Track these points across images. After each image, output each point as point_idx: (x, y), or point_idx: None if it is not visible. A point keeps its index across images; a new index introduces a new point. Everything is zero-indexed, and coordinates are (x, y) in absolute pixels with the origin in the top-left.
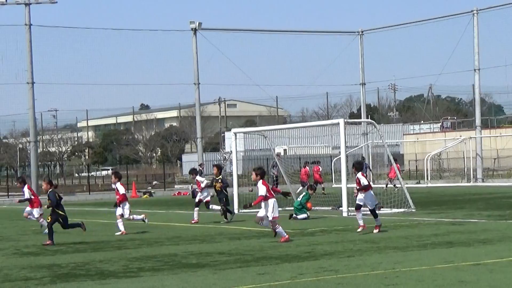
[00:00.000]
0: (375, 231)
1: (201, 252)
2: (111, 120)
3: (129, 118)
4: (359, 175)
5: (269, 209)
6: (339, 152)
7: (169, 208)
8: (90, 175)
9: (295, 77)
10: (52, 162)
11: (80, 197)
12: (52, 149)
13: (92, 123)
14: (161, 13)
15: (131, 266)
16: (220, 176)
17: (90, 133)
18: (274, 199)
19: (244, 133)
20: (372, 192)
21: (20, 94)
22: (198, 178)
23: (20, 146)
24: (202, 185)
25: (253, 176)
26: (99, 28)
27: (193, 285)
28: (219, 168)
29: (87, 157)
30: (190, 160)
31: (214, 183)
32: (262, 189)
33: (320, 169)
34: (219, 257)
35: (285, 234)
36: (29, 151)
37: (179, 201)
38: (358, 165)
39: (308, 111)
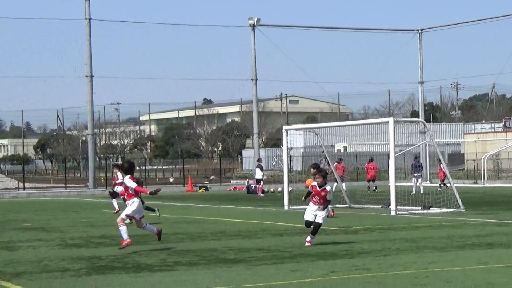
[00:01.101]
0: None
1: (240, 248)
2: (174, 114)
3: (191, 113)
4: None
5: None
6: (399, 150)
7: (221, 203)
8: (148, 168)
9: (357, 74)
10: (114, 155)
11: None
12: (114, 142)
13: (154, 116)
14: (220, 8)
15: (168, 260)
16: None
17: (152, 127)
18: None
19: (296, 129)
20: None
21: (83, 87)
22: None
23: (83, 138)
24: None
25: None
26: (159, 23)
27: (224, 280)
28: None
29: (148, 150)
30: (250, 155)
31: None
32: (131, 183)
33: (376, 167)
34: (256, 253)
35: (127, 237)
36: None
37: (233, 196)
38: None
39: (369, 108)
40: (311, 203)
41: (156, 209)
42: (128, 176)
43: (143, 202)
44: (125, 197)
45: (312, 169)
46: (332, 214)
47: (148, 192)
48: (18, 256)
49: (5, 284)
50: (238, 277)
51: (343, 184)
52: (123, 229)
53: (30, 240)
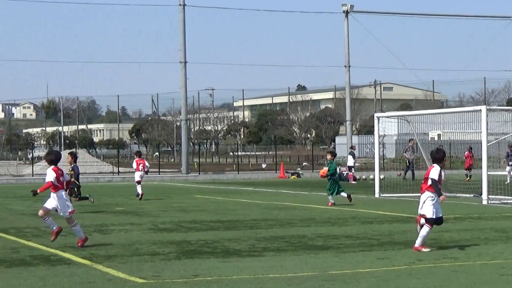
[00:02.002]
0: None
1: (329, 235)
2: (267, 100)
3: (284, 99)
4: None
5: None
6: (494, 138)
7: (312, 190)
8: (241, 154)
9: (452, 61)
10: (208, 141)
11: (229, 176)
12: (208, 128)
13: (248, 102)
14: None
15: (257, 245)
16: (73, 165)
17: (246, 113)
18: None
19: (387, 117)
20: None
21: (178, 73)
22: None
23: (177, 123)
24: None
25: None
26: (251, 9)
27: (311, 266)
28: (74, 156)
29: (242, 136)
30: (342, 142)
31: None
32: (50, 175)
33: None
34: (345, 240)
35: (55, 226)
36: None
37: (324, 183)
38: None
39: (464, 96)
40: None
41: (88, 196)
42: (52, 167)
43: (76, 191)
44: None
45: (328, 155)
46: (349, 199)
47: (33, 192)
48: (110, 239)
49: (96, 266)
50: (325, 264)
51: None
52: (48, 221)
53: (122, 223)
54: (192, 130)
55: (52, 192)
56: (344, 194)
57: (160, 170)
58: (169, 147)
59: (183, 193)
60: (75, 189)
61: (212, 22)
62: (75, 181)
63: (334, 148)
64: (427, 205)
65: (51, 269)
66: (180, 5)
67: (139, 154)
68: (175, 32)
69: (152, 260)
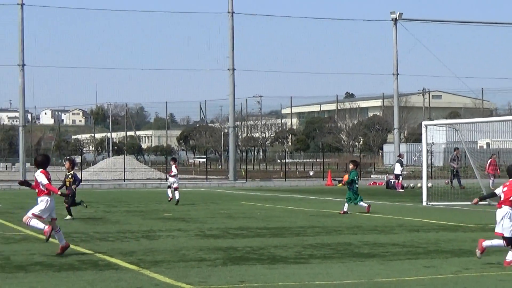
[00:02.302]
0: None
1: (375, 243)
2: (315, 108)
3: (332, 106)
4: None
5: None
6: None
7: None
8: (289, 161)
9: (501, 69)
10: (255, 148)
11: (276, 183)
12: (256, 135)
13: (296, 110)
14: (363, 2)
15: (303, 252)
16: (72, 172)
17: (294, 120)
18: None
19: (435, 125)
20: None
21: (226, 80)
22: None
23: (225, 130)
24: None
25: None
26: (299, 17)
27: (357, 274)
28: (72, 162)
29: (289, 143)
30: (390, 150)
31: (65, 178)
32: (43, 178)
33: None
34: (391, 248)
35: (43, 226)
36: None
37: (372, 191)
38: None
39: None
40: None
41: (81, 201)
42: (40, 170)
43: (72, 196)
44: (37, 193)
45: (351, 165)
46: (368, 210)
47: (59, 193)
48: (157, 245)
49: (144, 272)
50: (371, 271)
51: (484, 181)
52: (34, 223)
53: (169, 229)
54: (240, 137)
55: (39, 197)
56: (364, 204)
57: (208, 177)
58: (217, 154)
59: (230, 199)
60: (69, 196)
61: (260, 29)
62: (74, 188)
63: (382, 156)
64: (507, 224)
65: (98, 274)
66: (228, 12)
67: (174, 160)
68: (223, 39)
69: (198, 266)
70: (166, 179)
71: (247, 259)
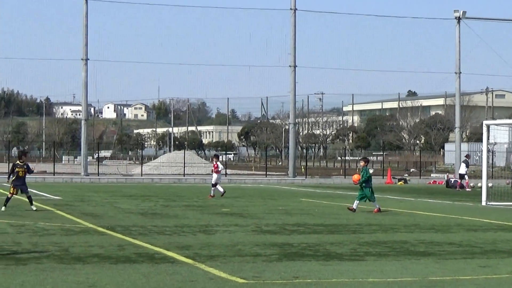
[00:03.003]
0: None
1: (432, 241)
2: (377, 106)
3: (394, 104)
4: None
5: None
6: None
7: (418, 196)
8: (349, 159)
9: None
10: (316, 145)
11: (335, 180)
12: (317, 132)
13: (357, 107)
14: (426, 1)
15: (358, 250)
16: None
17: (355, 118)
18: None
19: (496, 124)
20: None
21: (287, 77)
22: None
23: (286, 127)
24: None
25: None
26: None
27: (411, 272)
28: (25, 154)
29: (350, 141)
30: (451, 149)
31: (16, 168)
32: None
33: None
34: (447, 247)
35: None
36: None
37: (431, 190)
38: None
39: None
40: None
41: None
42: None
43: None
44: None
45: (362, 162)
46: (376, 211)
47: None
48: (214, 240)
49: (199, 266)
50: (425, 270)
51: None
52: None
53: (227, 225)
54: (301, 133)
55: None
56: (377, 205)
57: (267, 173)
58: (277, 150)
59: (289, 196)
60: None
61: (322, 26)
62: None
63: (443, 155)
64: None
65: (154, 267)
66: (291, 9)
67: (217, 157)
68: (285, 36)
69: (253, 261)
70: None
71: (302, 255)
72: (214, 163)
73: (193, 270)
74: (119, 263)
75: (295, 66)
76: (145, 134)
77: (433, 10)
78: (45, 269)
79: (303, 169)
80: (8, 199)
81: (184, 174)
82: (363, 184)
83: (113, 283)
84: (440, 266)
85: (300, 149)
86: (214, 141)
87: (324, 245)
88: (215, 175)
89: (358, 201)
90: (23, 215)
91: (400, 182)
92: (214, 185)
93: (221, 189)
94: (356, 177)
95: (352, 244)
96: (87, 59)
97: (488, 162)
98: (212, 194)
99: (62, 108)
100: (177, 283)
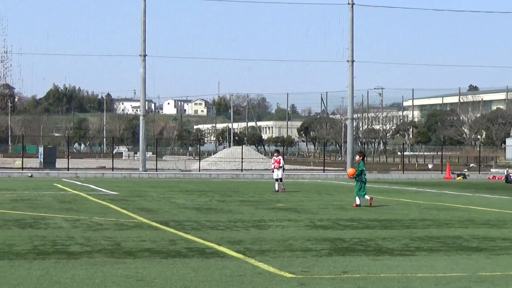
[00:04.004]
0: None
1: (485, 237)
2: (437, 100)
3: (455, 99)
4: None
5: None
6: None
7: (476, 192)
8: (409, 154)
9: None
10: (376, 140)
11: (393, 175)
12: (377, 127)
13: (417, 102)
14: None
15: (410, 245)
16: None
17: (416, 113)
18: None
19: None
20: None
21: (346, 72)
22: None
23: (346, 122)
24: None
25: None
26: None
27: (462, 267)
28: None
29: (410, 136)
30: None
31: None
32: None
33: None
34: (501, 243)
35: None
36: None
37: (490, 185)
38: None
39: None
40: None
41: None
42: None
43: None
44: None
45: (357, 156)
46: (371, 202)
47: None
48: (266, 235)
49: (249, 260)
50: (476, 265)
51: None
52: None
53: (280, 219)
54: (360, 129)
55: None
56: (367, 197)
57: (325, 168)
58: (337, 145)
59: (345, 191)
60: None
61: (382, 21)
62: None
63: (504, 149)
64: None
65: (204, 261)
66: (348, 4)
67: (278, 152)
68: (343, 31)
69: (303, 256)
70: (272, 171)
71: (353, 250)
72: (276, 158)
73: (242, 264)
74: (169, 257)
75: (352, 61)
76: (205, 130)
77: (493, 3)
78: (95, 263)
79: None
80: None
81: (242, 170)
82: (356, 178)
83: (162, 277)
84: (492, 262)
85: (359, 144)
86: (273, 136)
87: (376, 240)
88: (278, 170)
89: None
90: (79, 209)
91: (459, 177)
92: (280, 179)
93: (277, 187)
94: (350, 171)
95: (405, 239)
96: (145, 55)
97: None
98: (282, 188)
99: (123, 104)
100: (225, 277)
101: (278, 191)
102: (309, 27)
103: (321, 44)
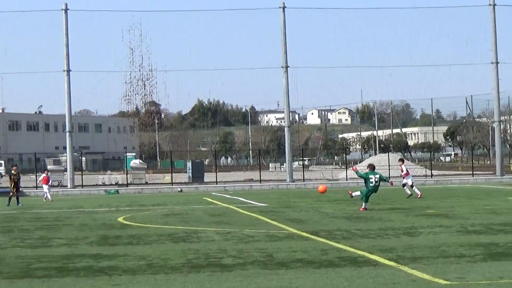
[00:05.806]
0: None
1: None
2: None
3: None
4: None
5: None
6: None
7: None
8: None
9: None
10: None
11: None
12: None
13: None
14: None
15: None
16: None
17: None
18: None
19: None
20: None
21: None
22: None
23: (493, 125)
24: None
25: None
26: None
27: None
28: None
29: None
30: None
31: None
32: None
33: None
34: None
35: None
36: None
37: None
38: None
39: None
40: None
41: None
42: None
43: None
44: None
45: (368, 168)
46: (361, 210)
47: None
48: (418, 242)
49: (402, 268)
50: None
51: None
52: None
53: (431, 226)
54: (509, 131)
55: None
56: (364, 205)
57: (474, 172)
58: (485, 149)
59: (496, 195)
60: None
61: None
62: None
63: None
64: None
65: (357, 270)
66: (490, 5)
67: (402, 160)
68: (484, 32)
69: (457, 262)
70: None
71: (508, 255)
72: (400, 166)
73: (395, 272)
74: (322, 267)
75: (497, 63)
76: (350, 138)
77: None
78: (249, 275)
79: (511, 167)
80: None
81: (389, 177)
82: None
83: (316, 287)
84: None
85: (507, 147)
86: (419, 142)
87: None
88: (406, 178)
89: (364, 201)
90: (230, 222)
91: None
92: (411, 186)
93: (408, 192)
94: (321, 187)
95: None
96: (287, 67)
97: None
98: (418, 194)
99: (267, 116)
100: (379, 285)
101: (411, 195)
102: (451, 30)
103: (463, 47)
